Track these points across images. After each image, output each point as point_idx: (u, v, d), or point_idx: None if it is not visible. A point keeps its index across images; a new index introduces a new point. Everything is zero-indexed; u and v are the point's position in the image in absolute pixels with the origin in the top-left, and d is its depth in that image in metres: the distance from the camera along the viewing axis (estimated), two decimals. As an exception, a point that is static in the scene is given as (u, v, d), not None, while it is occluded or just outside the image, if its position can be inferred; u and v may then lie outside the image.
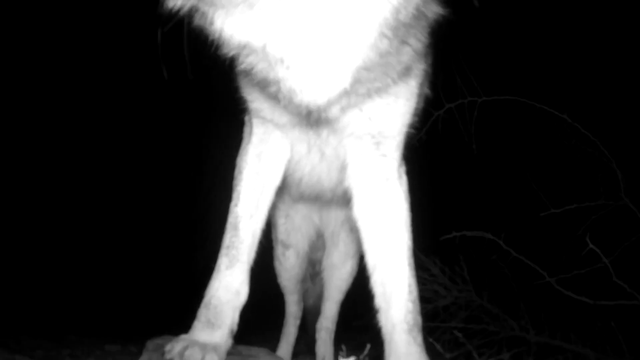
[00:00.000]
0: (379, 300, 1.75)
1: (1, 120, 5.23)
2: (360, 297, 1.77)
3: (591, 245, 2.59)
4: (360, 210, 1.82)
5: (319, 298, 2.91)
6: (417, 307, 1.74)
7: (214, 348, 1.68)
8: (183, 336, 1.73)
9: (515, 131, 4.41)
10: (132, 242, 5.98)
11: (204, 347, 1.66)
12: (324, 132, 1.82)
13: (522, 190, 3.48)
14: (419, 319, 1.74)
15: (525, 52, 4.98)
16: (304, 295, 3.01)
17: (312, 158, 1.95)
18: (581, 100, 3.63)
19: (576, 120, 2.89)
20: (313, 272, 2.95)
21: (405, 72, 1.67)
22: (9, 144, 5.44)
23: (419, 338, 1.71)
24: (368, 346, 1.69)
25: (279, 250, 2.73)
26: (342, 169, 1.86)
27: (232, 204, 1.90)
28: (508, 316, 3.18)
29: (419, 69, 1.77)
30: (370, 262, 1.79)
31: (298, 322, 2.93)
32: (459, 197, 5.49)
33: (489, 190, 5.22)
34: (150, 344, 1.80)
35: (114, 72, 5.72)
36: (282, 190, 2.29)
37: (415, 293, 1.74)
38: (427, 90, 2.15)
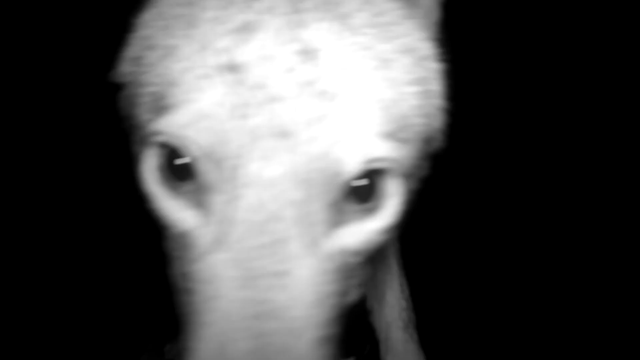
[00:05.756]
0: (372, 301, 1.71)
1: (1, 120, 5.23)
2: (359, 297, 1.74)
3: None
4: None
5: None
6: (410, 304, 1.70)
7: (214, 348, 1.66)
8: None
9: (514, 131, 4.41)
10: (133, 242, 5.97)
11: (204, 347, 1.65)
12: None
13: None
14: (413, 316, 1.70)
15: (526, 52, 4.99)
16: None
17: None
18: (581, 100, 3.64)
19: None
20: None
21: None
22: (9, 144, 5.44)
23: (415, 335, 1.68)
24: (368, 346, 1.68)
25: None
26: None
27: None
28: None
29: None
30: None
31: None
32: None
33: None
34: (150, 344, 1.80)
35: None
36: None
37: (407, 290, 1.70)
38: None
